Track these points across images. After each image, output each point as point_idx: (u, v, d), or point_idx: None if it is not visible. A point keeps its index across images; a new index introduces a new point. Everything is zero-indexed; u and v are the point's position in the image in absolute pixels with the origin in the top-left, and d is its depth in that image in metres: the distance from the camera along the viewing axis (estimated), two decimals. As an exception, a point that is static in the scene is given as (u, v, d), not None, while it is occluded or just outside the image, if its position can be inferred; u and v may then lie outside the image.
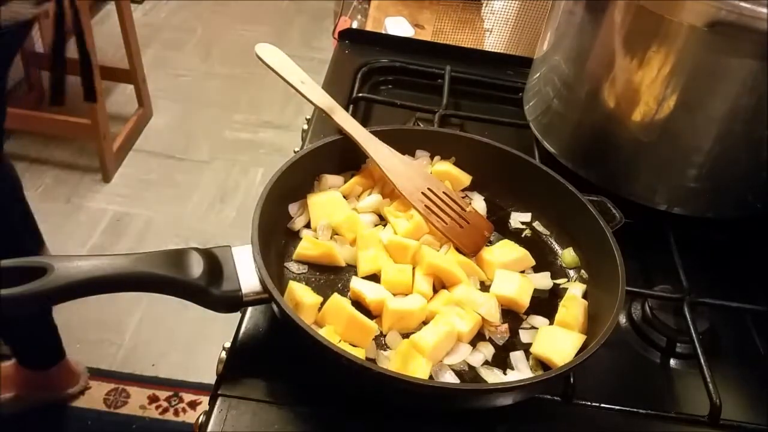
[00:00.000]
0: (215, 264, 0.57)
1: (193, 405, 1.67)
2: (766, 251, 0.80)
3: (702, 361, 0.63)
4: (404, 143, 0.74)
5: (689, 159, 0.74)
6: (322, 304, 0.60)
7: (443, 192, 0.71)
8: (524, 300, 0.65)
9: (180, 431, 1.61)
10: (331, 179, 0.73)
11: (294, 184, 0.69)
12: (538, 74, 0.90)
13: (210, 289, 0.56)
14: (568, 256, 0.71)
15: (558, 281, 0.69)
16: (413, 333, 0.59)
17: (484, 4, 1.37)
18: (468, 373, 0.59)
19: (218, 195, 2.29)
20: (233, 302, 0.57)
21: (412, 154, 0.76)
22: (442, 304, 0.62)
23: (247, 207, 2.20)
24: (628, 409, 0.61)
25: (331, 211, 0.69)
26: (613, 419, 0.61)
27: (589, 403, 0.61)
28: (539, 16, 1.15)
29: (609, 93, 0.76)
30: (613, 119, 0.77)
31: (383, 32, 1.30)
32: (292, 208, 0.70)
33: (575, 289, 0.66)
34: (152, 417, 1.63)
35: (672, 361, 0.69)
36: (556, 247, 0.73)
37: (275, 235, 0.66)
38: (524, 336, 0.63)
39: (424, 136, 0.78)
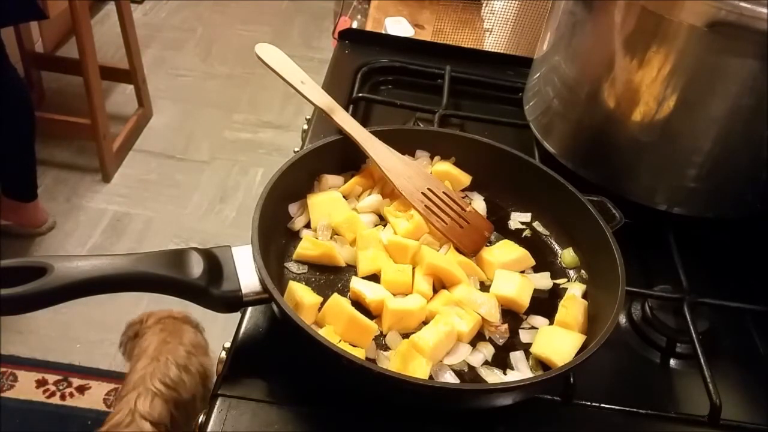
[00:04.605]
0: (215, 264, 0.57)
1: (193, 405, 1.67)
2: (766, 251, 0.80)
3: (702, 361, 0.63)
4: (404, 143, 0.74)
5: (689, 159, 0.74)
6: (322, 304, 0.60)
7: (443, 192, 0.71)
8: (524, 300, 0.64)
9: (180, 431, 1.61)
10: (331, 179, 0.73)
11: (294, 184, 0.69)
12: (538, 74, 0.90)
13: (210, 289, 0.56)
14: (568, 256, 0.71)
15: (558, 281, 0.69)
16: (413, 333, 0.59)
17: (484, 4, 1.36)
18: (468, 373, 0.59)
19: (218, 195, 2.28)
20: (233, 302, 0.57)
21: (412, 154, 0.76)
22: (442, 304, 0.62)
23: (247, 207, 2.20)
24: (628, 409, 0.61)
25: (331, 211, 0.69)
26: (613, 419, 0.61)
27: (589, 403, 0.61)
28: (539, 16, 1.15)
29: (609, 93, 0.76)
30: (613, 119, 0.77)
31: (383, 32, 1.30)
32: (292, 208, 0.70)
33: (575, 289, 0.66)
34: (152, 417, 1.63)
35: (672, 361, 0.69)
36: (556, 247, 0.73)
37: (275, 235, 0.66)
38: (524, 336, 0.63)
39: (424, 136, 0.78)
